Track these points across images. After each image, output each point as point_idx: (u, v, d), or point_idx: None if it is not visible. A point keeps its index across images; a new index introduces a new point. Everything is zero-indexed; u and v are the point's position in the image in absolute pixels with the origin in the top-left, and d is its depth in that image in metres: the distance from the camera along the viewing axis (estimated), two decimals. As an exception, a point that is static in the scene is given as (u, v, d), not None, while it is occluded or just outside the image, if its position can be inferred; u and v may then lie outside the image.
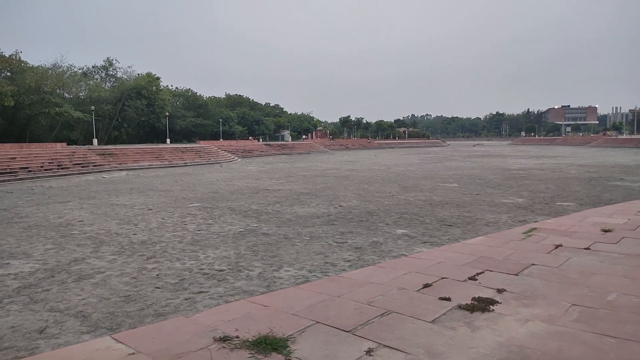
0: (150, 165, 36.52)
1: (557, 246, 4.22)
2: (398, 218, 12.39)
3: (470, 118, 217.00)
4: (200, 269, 7.77)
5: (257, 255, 8.62)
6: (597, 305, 2.80)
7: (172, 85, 72.58)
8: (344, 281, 3.40)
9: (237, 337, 2.42)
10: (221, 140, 63.35)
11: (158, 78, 56.92)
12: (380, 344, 2.36)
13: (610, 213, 6.35)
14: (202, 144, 53.41)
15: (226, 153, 50.01)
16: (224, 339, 2.38)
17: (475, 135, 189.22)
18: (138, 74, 57.31)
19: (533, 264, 3.67)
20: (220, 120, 68.15)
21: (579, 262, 3.73)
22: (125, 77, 57.11)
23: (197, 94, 73.44)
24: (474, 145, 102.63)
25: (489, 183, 21.57)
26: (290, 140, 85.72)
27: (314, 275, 7.32)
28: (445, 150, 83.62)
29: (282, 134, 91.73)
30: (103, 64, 57.44)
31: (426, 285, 3.22)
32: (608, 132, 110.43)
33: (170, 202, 16.22)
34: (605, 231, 4.85)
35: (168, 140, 53.70)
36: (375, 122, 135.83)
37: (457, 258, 3.93)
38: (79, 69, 54.06)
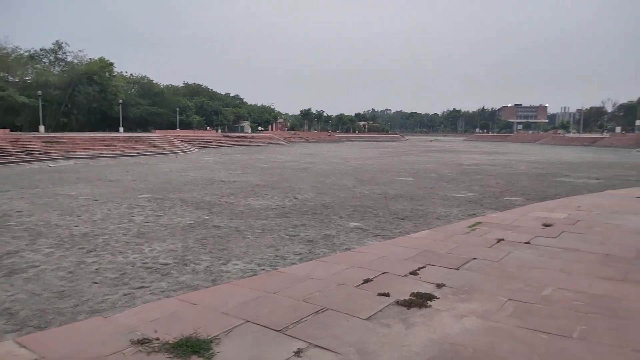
0: (100, 154, 35.07)
1: (499, 240, 4.25)
2: (352, 211, 12.37)
3: (428, 114, 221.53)
4: (144, 263, 7.44)
5: (206, 249, 8.36)
6: (532, 300, 2.80)
7: (126, 72, 69.90)
8: (283, 276, 3.26)
9: (157, 339, 2.24)
10: (178, 129, 61.71)
11: (111, 64, 54.70)
12: (310, 343, 2.25)
13: (553, 208, 6.53)
14: (157, 133, 51.82)
15: (182, 143, 48.75)
16: (142, 342, 2.19)
17: (433, 130, 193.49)
18: (90, 59, 54.87)
19: (474, 258, 3.67)
20: (177, 109, 66.35)
21: (519, 257, 3.76)
22: (76, 61, 54.51)
23: (154, 82, 71.20)
24: (431, 141, 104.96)
25: (443, 177, 22.00)
26: (249, 131, 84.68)
27: (263, 269, 7.15)
28: (403, 144, 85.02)
29: (241, 125, 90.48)
30: (52, 47, 54.54)
31: (366, 281, 3.14)
32: (559, 131, 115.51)
33: (118, 193, 15.57)
34: (546, 225, 4.95)
35: (121, 129, 51.78)
36: (336, 116, 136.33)
37: (401, 252, 3.87)
38: (26, 52, 51.18)
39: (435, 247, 4.05)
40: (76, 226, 10.15)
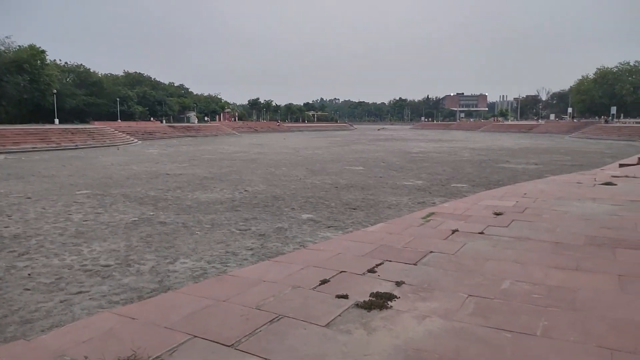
0: (34, 147, 32.84)
1: (453, 231, 4.22)
2: (304, 202, 12.24)
3: (376, 103, 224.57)
4: (83, 265, 6.95)
5: (151, 247, 7.94)
6: (492, 295, 2.74)
7: (60, 60, 65.64)
8: (233, 281, 3.03)
9: (89, 364, 1.96)
10: (119, 121, 58.98)
11: (43, 51, 51.16)
12: (265, 358, 2.05)
13: (501, 195, 6.65)
14: (97, 124, 49.27)
15: (124, 135, 46.62)
16: (71, 369, 1.91)
17: (380, 119, 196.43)
18: (19, 46, 51.02)
19: (431, 252, 3.59)
20: (118, 99, 63.23)
21: (474, 248, 3.73)
22: (3, 49, 50.52)
23: (91, 71, 67.33)
24: (378, 129, 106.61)
25: (392, 166, 22.33)
26: (196, 122, 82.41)
27: (213, 267, 6.88)
28: (352, 134, 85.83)
29: (187, 115, 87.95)
30: (-26, 33, 50.20)
31: (323, 282, 2.96)
32: (499, 119, 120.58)
33: (54, 189, 14.59)
34: (497, 214, 4.99)
35: (56, 121, 48.75)
36: (285, 105, 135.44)
37: (357, 248, 3.74)
38: (-58, 38, 46.86)
39: (391, 241, 3.95)
40: (6, 227, 9.36)
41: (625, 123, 66.21)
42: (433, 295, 2.70)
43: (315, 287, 2.83)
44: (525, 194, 6.60)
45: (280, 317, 2.39)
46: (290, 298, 2.63)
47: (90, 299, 5.66)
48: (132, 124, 58.24)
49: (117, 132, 46.54)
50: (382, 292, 2.72)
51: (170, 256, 7.39)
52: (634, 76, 75.50)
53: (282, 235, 8.71)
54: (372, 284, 2.88)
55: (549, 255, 3.47)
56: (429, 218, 4.82)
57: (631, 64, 78.13)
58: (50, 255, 7.45)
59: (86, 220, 10.05)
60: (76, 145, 36.19)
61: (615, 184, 7.64)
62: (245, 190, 14.40)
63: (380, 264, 3.23)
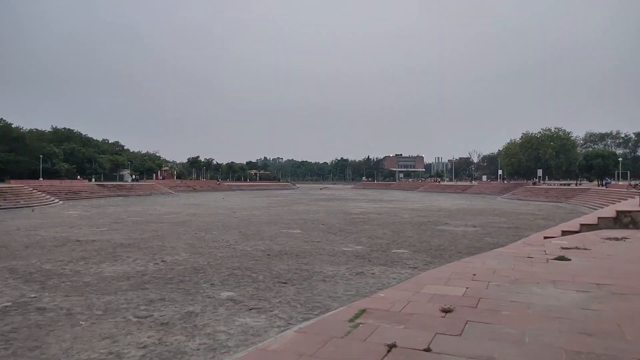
0: None
1: (389, 348, 2.99)
2: (228, 275, 10.70)
3: (318, 162, 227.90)
4: None
5: (9, 349, 6.07)
6: None
7: (-24, 115, 60.92)
8: None
9: None
10: (41, 179, 54.65)
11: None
12: None
13: (447, 278, 5.58)
14: (13, 183, 45.09)
15: (44, 195, 42.78)
16: None
17: (323, 178, 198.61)
18: None
19: (356, 397, 2.32)
20: (41, 156, 59.02)
21: (420, 382, 2.51)
22: None
23: (12, 126, 62.90)
24: (321, 189, 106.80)
25: (331, 228, 21.24)
26: (130, 180, 78.57)
27: (82, 381, 5.16)
28: (294, 193, 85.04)
29: (121, 173, 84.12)
30: None
31: None
32: (438, 179, 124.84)
33: None
34: (445, 312, 3.85)
35: (-34, 179, 44.18)
36: (227, 164, 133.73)
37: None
38: None
39: (300, 373, 2.63)
40: None
41: (551, 185, 70.21)
42: None
43: None
44: (474, 275, 5.58)
45: None
46: None
47: None
48: (56, 182, 54.06)
49: (35, 191, 42.63)
50: None
51: (29, 363, 5.60)
52: (554, 142, 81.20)
53: (190, 324, 7.11)
54: None
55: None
56: (358, 320, 3.57)
57: (552, 130, 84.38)
58: None
59: (-59, 308, 7.94)
60: (-18, 207, 32.37)
61: (570, 259, 6.86)
62: (163, 261, 12.61)
63: None
